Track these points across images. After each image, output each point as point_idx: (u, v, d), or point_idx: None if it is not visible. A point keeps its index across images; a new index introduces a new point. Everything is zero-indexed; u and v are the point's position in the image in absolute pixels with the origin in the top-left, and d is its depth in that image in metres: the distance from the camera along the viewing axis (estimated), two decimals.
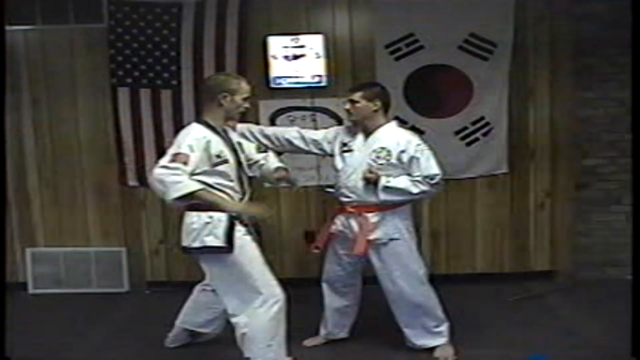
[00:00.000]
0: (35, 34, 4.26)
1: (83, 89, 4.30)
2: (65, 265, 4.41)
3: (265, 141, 3.17)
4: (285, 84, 4.20)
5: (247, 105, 2.90)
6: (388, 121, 3.12)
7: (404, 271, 3.07)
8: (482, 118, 4.22)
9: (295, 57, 4.19)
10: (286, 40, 4.18)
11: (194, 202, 2.69)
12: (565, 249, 4.39)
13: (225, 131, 2.91)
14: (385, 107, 3.10)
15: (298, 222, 4.32)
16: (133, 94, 4.20)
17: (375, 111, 3.05)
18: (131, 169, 4.28)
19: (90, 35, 4.24)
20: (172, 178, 2.62)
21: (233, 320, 2.81)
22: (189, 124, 2.93)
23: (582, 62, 4.22)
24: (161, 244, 4.43)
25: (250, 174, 3.04)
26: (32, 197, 4.40)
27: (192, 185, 2.65)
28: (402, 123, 3.70)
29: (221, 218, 2.72)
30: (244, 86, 2.87)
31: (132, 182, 4.31)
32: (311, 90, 4.24)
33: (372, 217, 3.02)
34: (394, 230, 3.04)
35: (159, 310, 3.93)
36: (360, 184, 3.01)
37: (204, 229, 2.72)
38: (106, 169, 4.34)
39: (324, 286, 3.27)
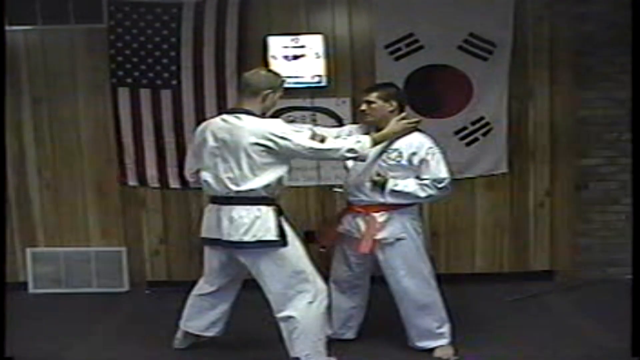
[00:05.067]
0: (35, 34, 4.26)
1: (83, 89, 4.30)
2: (65, 265, 4.41)
3: None
4: (285, 84, 4.19)
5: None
6: None
7: (410, 271, 3.07)
8: (481, 118, 4.22)
9: (295, 57, 4.19)
10: (286, 40, 4.18)
11: (253, 195, 2.70)
12: (565, 249, 4.39)
13: None
14: (401, 107, 3.11)
15: (298, 222, 4.28)
16: (133, 94, 4.20)
17: (391, 112, 3.05)
18: (131, 169, 4.28)
19: (91, 35, 4.24)
20: (342, 142, 2.81)
21: (281, 315, 2.79)
22: (232, 118, 2.84)
23: (582, 62, 4.21)
24: (161, 244, 4.43)
25: None
26: (32, 197, 4.40)
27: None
28: None
29: (269, 211, 2.73)
30: (283, 84, 2.93)
31: (132, 182, 4.31)
32: (311, 90, 4.23)
33: (379, 217, 3.02)
34: (401, 230, 3.04)
35: (159, 310, 3.95)
36: (368, 184, 3.02)
37: (254, 222, 2.71)
38: (106, 169, 4.34)
39: (332, 286, 3.23)
